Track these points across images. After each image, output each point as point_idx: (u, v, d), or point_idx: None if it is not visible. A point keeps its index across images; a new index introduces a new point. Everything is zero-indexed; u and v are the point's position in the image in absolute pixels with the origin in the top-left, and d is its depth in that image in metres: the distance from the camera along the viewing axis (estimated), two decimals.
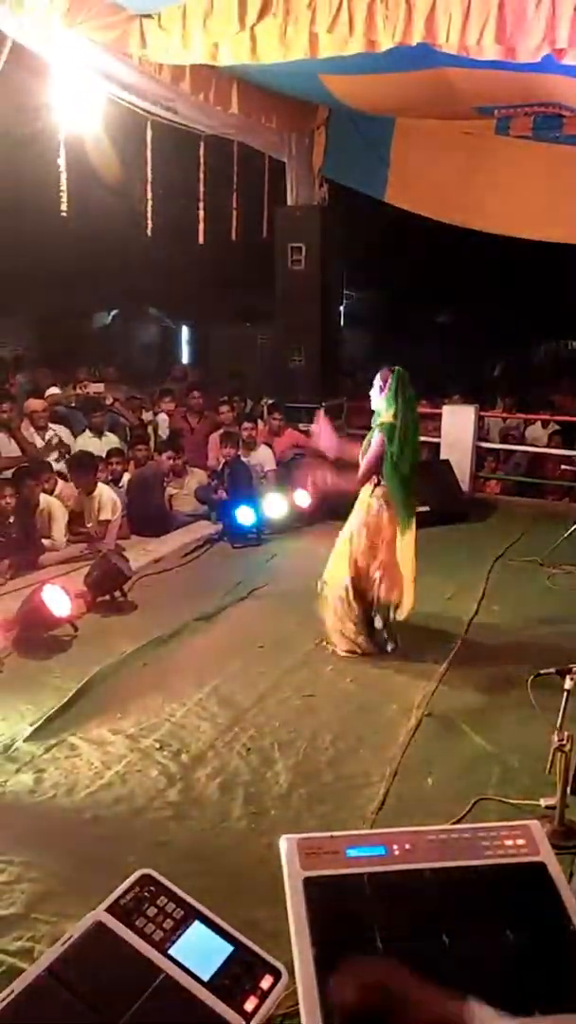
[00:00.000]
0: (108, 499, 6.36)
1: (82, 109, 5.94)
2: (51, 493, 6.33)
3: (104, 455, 7.10)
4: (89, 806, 3.24)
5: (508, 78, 5.60)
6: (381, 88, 6.51)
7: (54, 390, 8.33)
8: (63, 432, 7.60)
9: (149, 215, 6.70)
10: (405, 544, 4.55)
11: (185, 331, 17.42)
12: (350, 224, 8.78)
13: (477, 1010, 1.15)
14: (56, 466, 6.83)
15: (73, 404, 8.25)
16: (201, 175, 7.05)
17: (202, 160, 7.09)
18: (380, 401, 4.50)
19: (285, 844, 1.57)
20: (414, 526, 4.59)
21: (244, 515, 6.78)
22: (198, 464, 7.95)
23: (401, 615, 4.66)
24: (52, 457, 7.00)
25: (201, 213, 7.09)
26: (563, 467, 8.13)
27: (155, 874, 1.69)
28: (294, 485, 7.12)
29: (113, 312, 15.47)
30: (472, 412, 8.51)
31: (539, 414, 9.71)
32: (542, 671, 3.07)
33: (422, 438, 8.58)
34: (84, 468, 6.39)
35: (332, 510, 7.29)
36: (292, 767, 3.52)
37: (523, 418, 9.77)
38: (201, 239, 7.16)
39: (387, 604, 4.61)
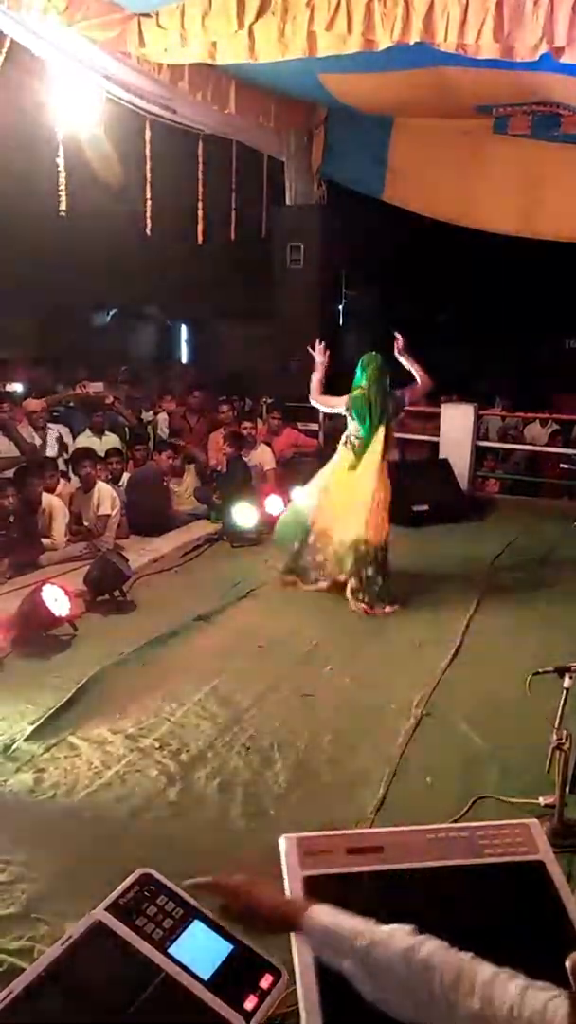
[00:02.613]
0: (107, 495, 6.39)
1: (81, 109, 5.94)
2: (53, 491, 6.34)
3: (103, 454, 7.11)
4: (89, 805, 3.24)
5: (506, 77, 5.60)
6: (379, 87, 6.52)
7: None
8: (63, 431, 7.60)
9: (148, 214, 6.70)
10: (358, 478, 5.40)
11: (184, 330, 17.40)
12: (349, 223, 8.77)
13: (316, 912, 1.26)
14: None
15: (72, 404, 8.25)
16: (200, 174, 7.06)
17: (201, 159, 7.10)
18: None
19: (285, 843, 1.57)
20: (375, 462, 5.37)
21: (243, 514, 6.78)
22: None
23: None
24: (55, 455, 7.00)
25: (200, 212, 7.10)
26: (562, 466, 8.15)
27: (155, 873, 1.69)
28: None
29: (112, 311, 15.46)
30: (471, 411, 8.50)
31: (538, 413, 9.71)
32: (540, 670, 3.07)
33: (420, 437, 8.62)
34: (86, 461, 6.44)
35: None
36: (291, 766, 3.52)
37: (522, 417, 9.77)
38: (200, 238, 7.17)
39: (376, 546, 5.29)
